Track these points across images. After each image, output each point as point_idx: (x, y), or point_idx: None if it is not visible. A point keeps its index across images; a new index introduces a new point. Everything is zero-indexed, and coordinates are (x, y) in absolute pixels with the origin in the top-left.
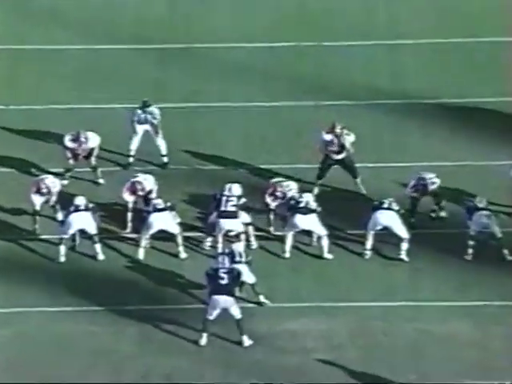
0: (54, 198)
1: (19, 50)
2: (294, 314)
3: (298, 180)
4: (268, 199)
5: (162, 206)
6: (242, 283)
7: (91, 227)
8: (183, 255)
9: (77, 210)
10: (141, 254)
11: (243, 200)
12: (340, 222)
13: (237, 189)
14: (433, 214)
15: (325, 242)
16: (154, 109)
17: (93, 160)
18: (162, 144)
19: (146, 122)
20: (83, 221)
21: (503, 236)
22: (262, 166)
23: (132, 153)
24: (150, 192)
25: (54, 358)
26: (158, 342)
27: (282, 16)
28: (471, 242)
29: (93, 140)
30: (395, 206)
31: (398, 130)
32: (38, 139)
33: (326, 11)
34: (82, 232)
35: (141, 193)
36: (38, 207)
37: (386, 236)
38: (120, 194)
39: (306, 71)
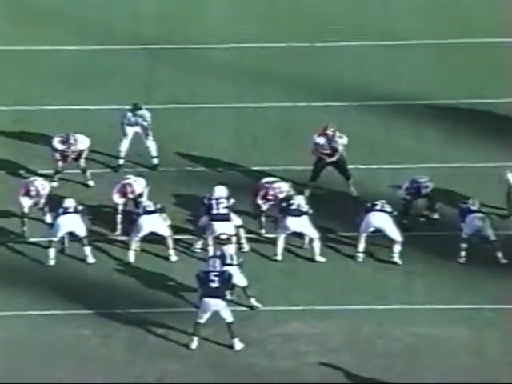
0: (42, 201)
1: (9, 51)
2: (285, 317)
3: (290, 181)
4: (259, 201)
5: (152, 208)
6: (234, 286)
7: (80, 230)
8: (173, 258)
9: (66, 212)
10: (131, 257)
11: (232, 201)
12: (332, 224)
13: (223, 190)
14: (424, 217)
15: (317, 245)
16: (144, 112)
17: (82, 162)
18: (152, 146)
19: (136, 124)
20: (72, 223)
21: (497, 239)
22: (254, 168)
23: (122, 155)
24: (140, 195)
25: (44, 362)
26: (149, 346)
27: (273, 16)
28: (464, 245)
29: (82, 142)
30: (388, 208)
31: (390, 132)
32: (26, 140)
33: (318, 12)
34: (72, 235)
35: (131, 195)
36: (26, 210)
37: (379, 238)
38: (110, 197)
39: (297, 72)
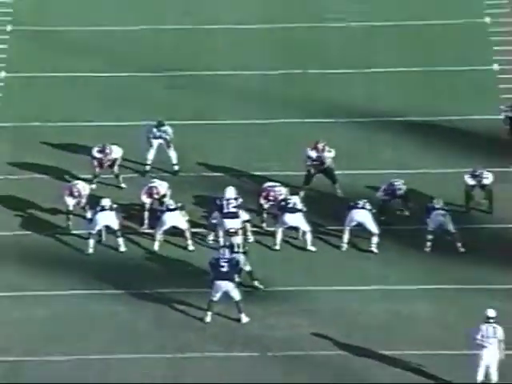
0: (83, 200)
1: (52, 77)
2: (283, 296)
3: (286, 185)
4: (262, 201)
5: (173, 206)
6: (241, 270)
7: (114, 224)
8: (191, 247)
9: (103, 209)
10: (156, 247)
11: (240, 200)
12: (322, 220)
13: (232, 191)
14: (398, 212)
15: (309, 237)
16: (167, 127)
17: (116, 169)
18: (173, 155)
19: (160, 137)
20: (108, 218)
21: (457, 231)
22: (257, 173)
23: (149, 162)
24: (164, 195)
25: (84, 333)
26: (171, 320)
27: (273, 48)
28: (429, 237)
29: (116, 151)
30: (368, 206)
31: (371, 143)
32: (68, 151)
33: (311, 44)
34: (108, 228)
35: (156, 196)
36: (70, 208)
37: (360, 232)
38: (139, 197)
39: (294, 94)
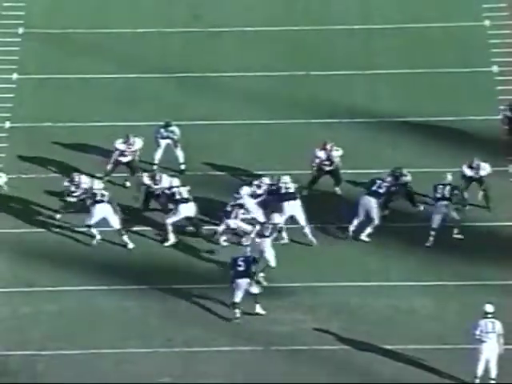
0: (78, 192)
1: (63, 79)
2: (286, 292)
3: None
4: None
5: (187, 196)
6: (267, 266)
7: (112, 218)
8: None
9: (101, 201)
10: (172, 238)
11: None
12: (323, 217)
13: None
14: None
15: (307, 229)
16: (174, 128)
17: (136, 159)
18: (180, 155)
19: (167, 138)
20: (105, 211)
21: (459, 218)
22: (262, 172)
23: (156, 161)
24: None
25: (95, 328)
26: (178, 315)
27: (276, 50)
28: (432, 232)
29: (138, 143)
30: (381, 189)
31: (372, 143)
32: (80, 151)
33: (315, 47)
34: (105, 220)
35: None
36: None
37: (362, 227)
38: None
39: (298, 95)
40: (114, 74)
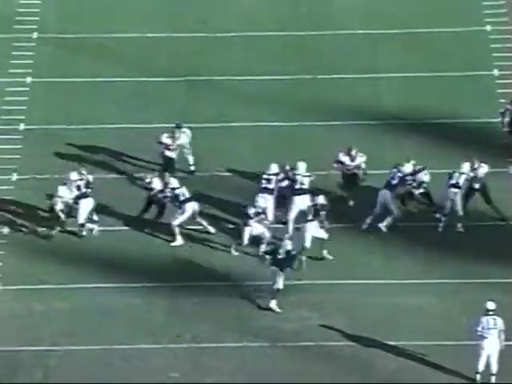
0: (81, 183)
1: (75, 82)
2: (293, 289)
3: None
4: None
5: (189, 195)
6: (301, 262)
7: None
8: (212, 230)
9: (84, 196)
10: (180, 240)
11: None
12: (328, 217)
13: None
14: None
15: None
16: (185, 129)
17: (186, 150)
18: (190, 156)
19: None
20: (91, 205)
21: (461, 214)
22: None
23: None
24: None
25: (103, 325)
26: (186, 312)
27: (283, 55)
28: (444, 218)
29: (183, 137)
30: (394, 180)
31: (376, 145)
32: (92, 152)
33: (320, 51)
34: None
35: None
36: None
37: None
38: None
39: (304, 98)
40: (125, 78)
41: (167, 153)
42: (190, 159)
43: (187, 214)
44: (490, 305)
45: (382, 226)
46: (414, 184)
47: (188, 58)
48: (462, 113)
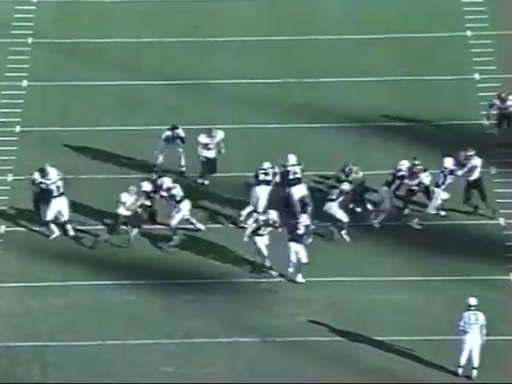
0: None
1: (70, 86)
2: (281, 287)
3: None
4: None
5: (182, 195)
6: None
7: (65, 211)
8: (202, 227)
9: (58, 195)
10: (176, 239)
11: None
12: (317, 215)
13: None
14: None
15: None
16: (179, 130)
17: (221, 148)
18: (182, 158)
19: (172, 141)
20: (61, 204)
21: (431, 213)
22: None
23: (159, 163)
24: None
25: (99, 321)
26: (178, 309)
27: (273, 58)
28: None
29: (219, 134)
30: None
31: (363, 147)
32: (86, 154)
33: (308, 54)
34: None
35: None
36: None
37: (354, 227)
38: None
39: (292, 101)
40: (118, 81)
41: (206, 153)
42: (182, 160)
43: (183, 213)
44: (472, 300)
45: (375, 222)
46: (415, 184)
47: (180, 62)
48: (445, 115)
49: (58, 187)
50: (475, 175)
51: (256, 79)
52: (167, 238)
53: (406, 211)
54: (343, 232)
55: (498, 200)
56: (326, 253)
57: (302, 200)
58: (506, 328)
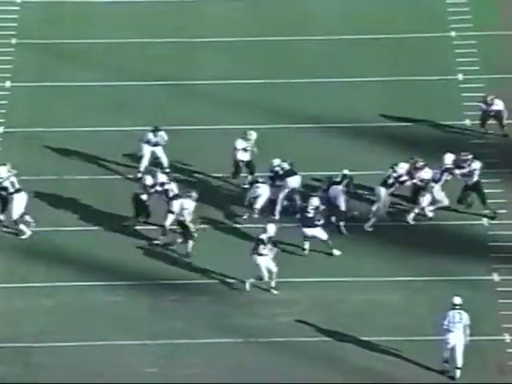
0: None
1: (54, 86)
2: (264, 287)
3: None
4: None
5: (177, 192)
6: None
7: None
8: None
9: (15, 191)
10: (166, 238)
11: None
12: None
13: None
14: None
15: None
16: (162, 132)
17: (255, 148)
18: (164, 159)
19: (156, 143)
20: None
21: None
22: (242, 175)
23: (142, 168)
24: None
25: (85, 321)
26: (163, 310)
27: (256, 59)
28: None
29: (253, 135)
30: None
31: (349, 147)
32: (71, 154)
33: (295, 55)
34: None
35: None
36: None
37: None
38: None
39: (277, 102)
40: (103, 82)
41: (243, 156)
42: (165, 162)
43: (175, 212)
44: (457, 299)
45: (367, 226)
46: (418, 181)
47: (166, 62)
48: (429, 116)
49: (12, 183)
50: (474, 178)
51: (243, 80)
52: (154, 238)
53: (413, 209)
54: (342, 224)
55: None
56: (311, 254)
57: (294, 192)
58: (489, 328)
